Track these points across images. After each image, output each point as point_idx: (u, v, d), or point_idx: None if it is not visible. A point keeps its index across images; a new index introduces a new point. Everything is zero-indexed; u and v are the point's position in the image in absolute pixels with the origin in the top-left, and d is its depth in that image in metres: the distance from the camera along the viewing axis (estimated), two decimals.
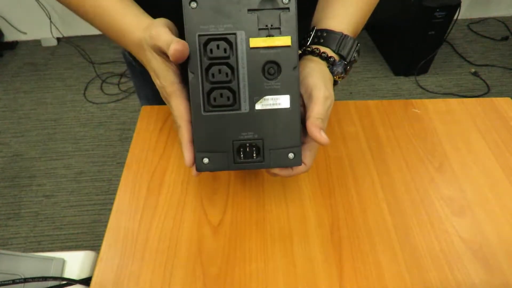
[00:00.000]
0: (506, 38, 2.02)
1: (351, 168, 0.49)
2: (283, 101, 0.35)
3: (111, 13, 0.40)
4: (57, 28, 2.06)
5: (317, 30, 0.42)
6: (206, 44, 0.34)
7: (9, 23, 2.02)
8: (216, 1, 0.33)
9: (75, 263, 0.50)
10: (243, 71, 0.34)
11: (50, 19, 2.00)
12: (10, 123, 1.69)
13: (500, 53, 1.95)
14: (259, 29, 0.33)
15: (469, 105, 0.57)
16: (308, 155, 0.37)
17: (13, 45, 2.09)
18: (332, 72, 0.40)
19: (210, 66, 0.34)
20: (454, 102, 0.57)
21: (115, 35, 0.41)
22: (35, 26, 2.04)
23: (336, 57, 0.40)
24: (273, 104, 0.35)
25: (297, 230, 0.43)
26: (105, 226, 0.43)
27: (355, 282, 0.39)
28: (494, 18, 2.15)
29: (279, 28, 0.33)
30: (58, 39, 2.11)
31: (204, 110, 0.35)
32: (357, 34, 0.43)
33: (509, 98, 0.57)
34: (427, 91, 1.78)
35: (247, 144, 0.36)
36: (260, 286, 0.39)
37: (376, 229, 0.43)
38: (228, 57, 0.34)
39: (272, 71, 0.34)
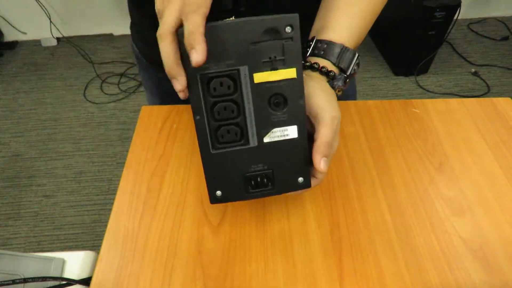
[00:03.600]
0: (506, 38, 2.02)
1: (351, 168, 0.49)
2: (291, 132, 0.35)
3: None
4: (57, 28, 2.06)
5: (317, 41, 0.40)
6: (209, 82, 0.33)
7: (9, 23, 2.02)
8: (216, 36, 0.32)
9: (75, 263, 0.50)
10: (248, 106, 0.34)
11: (50, 19, 2.00)
12: (10, 123, 1.69)
13: (500, 53, 1.95)
14: (263, 62, 0.32)
15: (469, 105, 0.57)
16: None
17: (13, 45, 2.09)
18: (332, 87, 0.39)
19: (215, 104, 0.34)
20: (454, 102, 0.57)
21: None
22: (35, 26, 2.04)
23: (336, 71, 0.39)
24: (281, 136, 0.35)
25: (297, 230, 0.43)
26: (105, 226, 0.43)
27: (355, 282, 0.39)
28: (494, 18, 2.15)
29: (283, 59, 0.33)
30: (58, 39, 2.11)
31: (213, 148, 0.35)
32: (358, 45, 0.42)
33: (509, 98, 0.57)
34: (427, 91, 1.78)
35: (258, 176, 0.36)
36: (260, 286, 0.39)
37: (376, 229, 0.43)
38: (232, 94, 0.33)
39: (278, 103, 0.34)
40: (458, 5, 1.56)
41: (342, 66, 0.39)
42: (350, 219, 0.44)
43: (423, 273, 0.39)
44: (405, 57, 1.80)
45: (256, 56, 0.32)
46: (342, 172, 0.48)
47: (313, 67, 0.39)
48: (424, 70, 1.85)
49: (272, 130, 0.35)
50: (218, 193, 0.36)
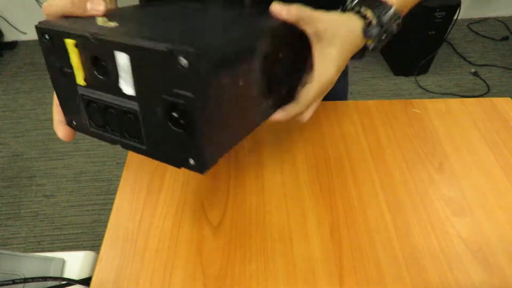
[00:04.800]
0: (506, 38, 2.02)
1: (351, 168, 0.49)
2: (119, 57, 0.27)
3: None
4: None
5: None
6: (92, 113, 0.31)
7: (9, 23, 2.02)
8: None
9: (75, 263, 0.50)
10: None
11: None
12: (10, 123, 1.69)
13: (500, 53, 1.95)
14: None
15: (469, 105, 0.57)
16: (303, 92, 0.37)
17: (13, 45, 2.09)
18: (366, 34, 0.38)
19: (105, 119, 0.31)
20: (454, 102, 0.57)
21: None
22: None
23: (374, 20, 0.38)
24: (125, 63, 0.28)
25: (297, 230, 0.43)
26: (105, 226, 0.43)
27: (355, 282, 0.39)
28: (494, 18, 2.15)
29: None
30: None
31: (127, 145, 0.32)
32: (404, 11, 0.42)
33: (509, 98, 0.57)
34: (427, 91, 1.78)
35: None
36: (260, 286, 0.39)
37: (376, 229, 0.43)
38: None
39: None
40: (458, 5, 1.56)
41: (380, 17, 0.38)
42: (350, 219, 0.44)
43: (423, 273, 0.39)
44: (405, 57, 1.80)
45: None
46: (342, 172, 0.48)
47: (354, 9, 0.39)
48: (424, 70, 1.85)
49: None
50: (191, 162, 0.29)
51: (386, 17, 0.38)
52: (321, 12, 0.35)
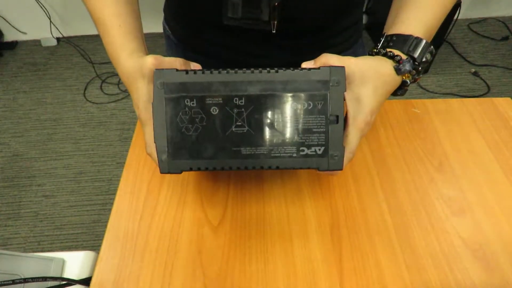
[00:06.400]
0: (506, 38, 2.02)
1: (351, 168, 0.49)
2: None
3: (110, 34, 0.41)
4: (57, 28, 2.06)
5: (386, 36, 0.41)
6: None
7: (9, 23, 2.02)
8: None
9: (75, 263, 0.50)
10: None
11: (50, 19, 2.00)
12: (10, 123, 1.69)
13: (500, 53, 1.95)
14: None
15: (469, 105, 0.57)
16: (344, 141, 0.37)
17: (13, 45, 2.09)
18: (399, 72, 0.38)
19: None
20: (454, 102, 0.57)
21: (110, 54, 0.41)
22: (35, 26, 2.04)
23: (403, 56, 0.39)
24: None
25: (297, 230, 0.43)
26: (105, 226, 0.43)
27: (355, 282, 0.39)
28: (494, 18, 2.15)
29: None
30: (58, 39, 2.11)
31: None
32: (431, 37, 0.42)
33: (509, 98, 0.57)
34: (427, 91, 1.78)
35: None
36: (260, 286, 0.39)
37: (376, 229, 0.43)
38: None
39: None
40: (458, 5, 1.56)
41: (412, 53, 0.39)
42: (350, 219, 0.44)
43: (423, 273, 0.39)
44: None
45: None
46: (342, 172, 0.48)
47: (380, 53, 0.40)
48: (424, 70, 1.85)
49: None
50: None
51: (416, 51, 0.38)
52: (348, 57, 0.36)
